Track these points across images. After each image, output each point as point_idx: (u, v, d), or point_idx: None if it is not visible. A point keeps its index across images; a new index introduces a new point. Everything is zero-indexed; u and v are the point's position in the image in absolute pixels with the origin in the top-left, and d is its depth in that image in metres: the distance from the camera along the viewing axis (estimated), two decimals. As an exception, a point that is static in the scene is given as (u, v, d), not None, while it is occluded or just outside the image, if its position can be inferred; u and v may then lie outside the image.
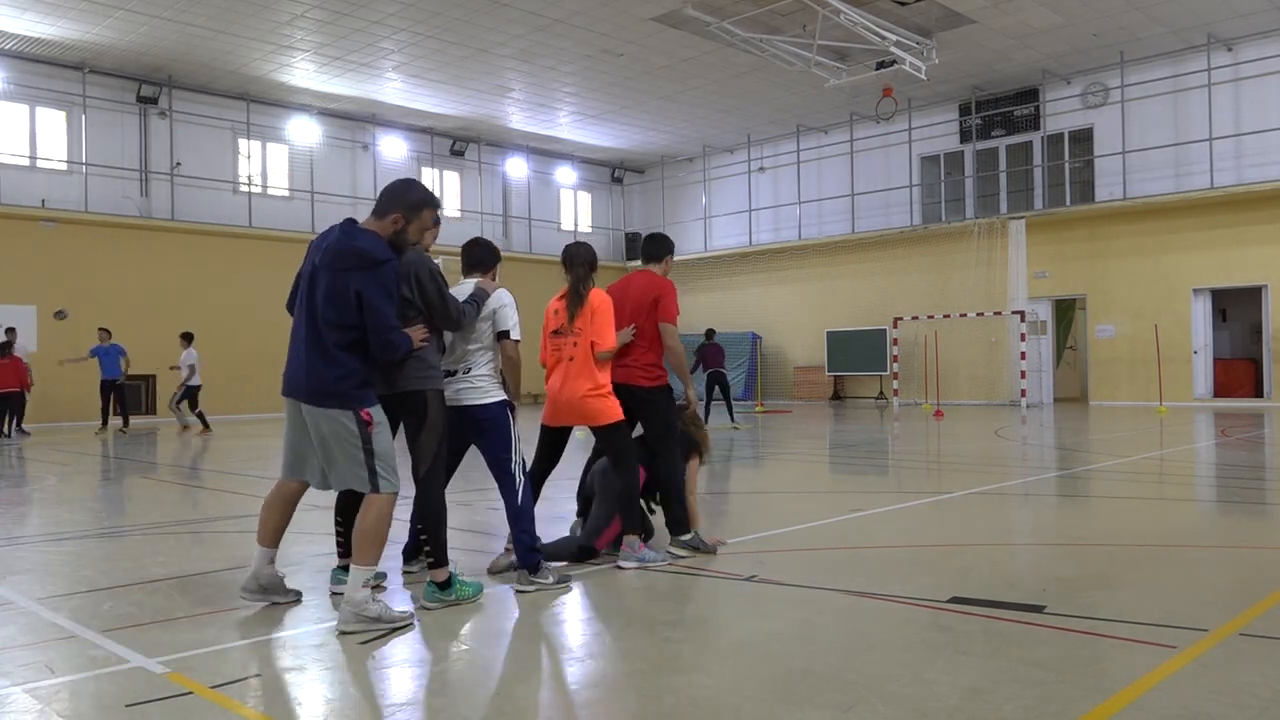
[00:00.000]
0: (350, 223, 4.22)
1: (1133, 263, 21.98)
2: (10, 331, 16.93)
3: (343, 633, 3.93)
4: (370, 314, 4.04)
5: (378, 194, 4.37)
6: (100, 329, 17.70)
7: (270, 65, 21.10)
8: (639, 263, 6.00)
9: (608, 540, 5.41)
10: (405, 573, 5.02)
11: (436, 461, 4.53)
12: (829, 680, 3.26)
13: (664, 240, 5.96)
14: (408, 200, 4.26)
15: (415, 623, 4.09)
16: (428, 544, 4.43)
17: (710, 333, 17.68)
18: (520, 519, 4.76)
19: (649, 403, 5.54)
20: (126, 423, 17.55)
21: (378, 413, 4.16)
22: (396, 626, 4.01)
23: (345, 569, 4.54)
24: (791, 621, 4.04)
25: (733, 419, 17.06)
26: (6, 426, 16.61)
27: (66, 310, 17.50)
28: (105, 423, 17.67)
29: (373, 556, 4.06)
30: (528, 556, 4.73)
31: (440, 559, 4.41)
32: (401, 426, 4.49)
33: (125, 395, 17.66)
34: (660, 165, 30.74)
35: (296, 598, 4.47)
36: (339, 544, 4.72)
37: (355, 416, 4.09)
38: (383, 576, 4.80)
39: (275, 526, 4.40)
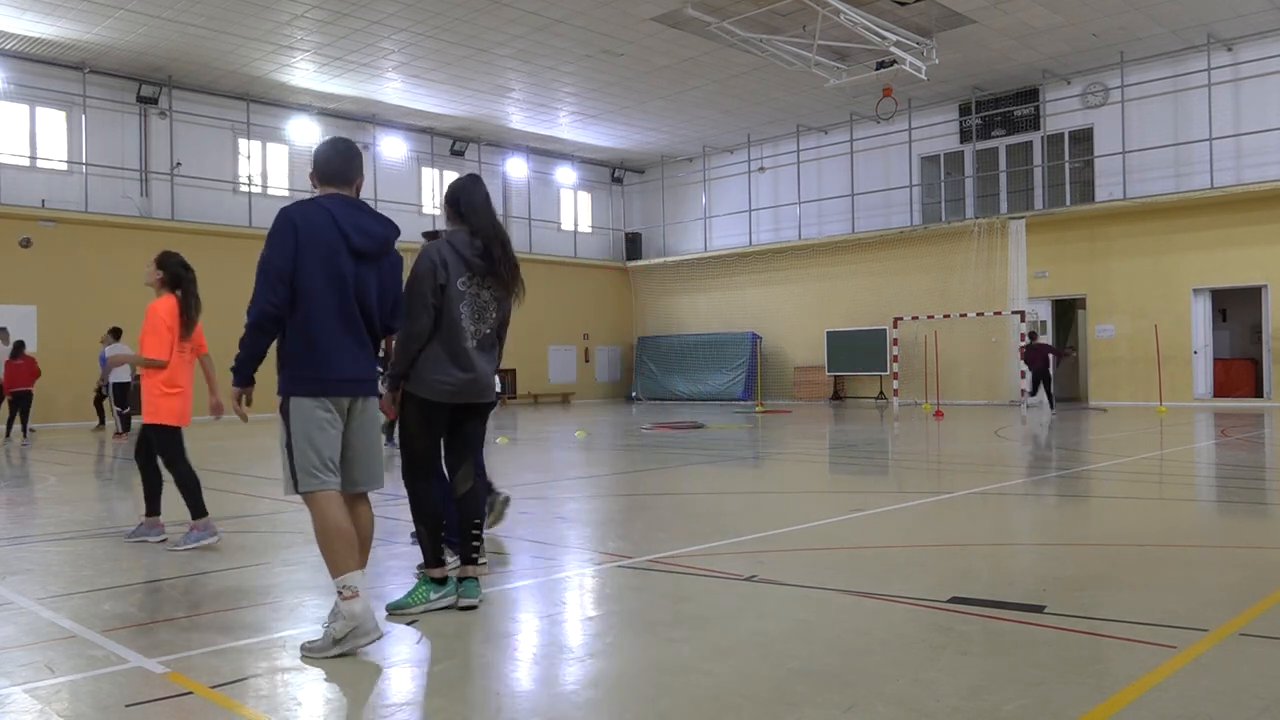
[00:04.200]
0: (362, 203, 4.08)
1: (1133, 263, 21.98)
2: (2, 331, 16.94)
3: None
4: (403, 292, 4.18)
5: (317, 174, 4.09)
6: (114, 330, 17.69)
7: (270, 65, 21.10)
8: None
9: None
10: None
11: None
12: (829, 680, 3.26)
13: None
14: (361, 163, 4.18)
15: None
16: (478, 540, 4.42)
17: (1032, 334, 20.06)
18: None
19: None
20: (126, 424, 17.51)
21: None
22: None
23: (475, 580, 4.36)
24: (791, 621, 4.03)
25: (1050, 406, 19.45)
26: (22, 427, 16.70)
27: (30, 239, 17.27)
28: (127, 425, 17.59)
29: (366, 559, 3.99)
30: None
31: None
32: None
33: (112, 397, 17.60)
34: (660, 165, 30.74)
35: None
36: (477, 549, 4.40)
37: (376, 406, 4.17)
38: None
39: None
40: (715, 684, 3.25)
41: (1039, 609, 4.11)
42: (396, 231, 4.11)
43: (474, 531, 4.39)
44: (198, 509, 6.04)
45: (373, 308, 3.98)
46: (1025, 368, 20.02)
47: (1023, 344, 20.00)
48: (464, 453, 4.46)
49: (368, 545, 3.99)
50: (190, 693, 3.24)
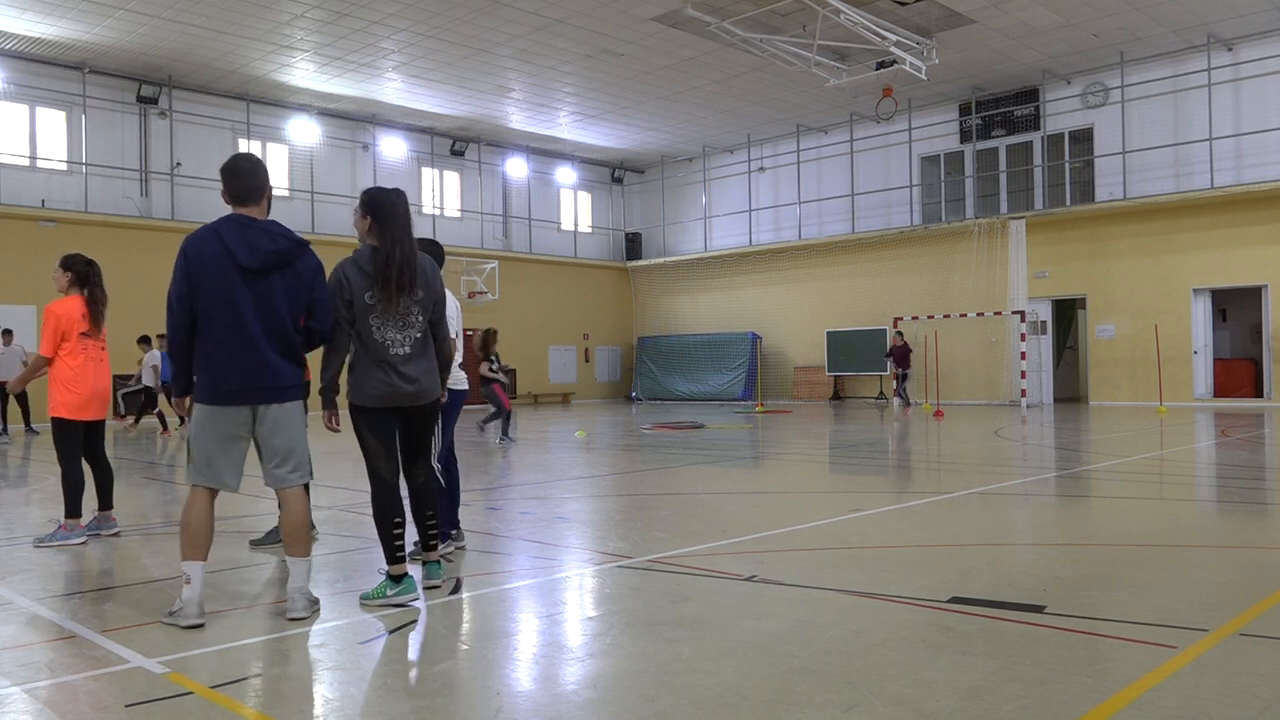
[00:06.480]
0: (253, 219, 4.22)
1: (1133, 263, 21.99)
2: (7, 334, 16.98)
3: (300, 619, 4.15)
4: (325, 293, 4.31)
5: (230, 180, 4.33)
6: (137, 336, 18.06)
7: (270, 65, 21.10)
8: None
9: None
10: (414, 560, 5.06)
11: None
12: (829, 680, 3.26)
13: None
14: (264, 175, 4.38)
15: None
16: (434, 528, 4.75)
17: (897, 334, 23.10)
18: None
19: None
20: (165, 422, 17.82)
21: None
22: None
23: (436, 563, 4.76)
24: (791, 621, 4.03)
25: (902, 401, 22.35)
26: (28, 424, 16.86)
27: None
28: (137, 421, 18.47)
29: (310, 546, 4.36)
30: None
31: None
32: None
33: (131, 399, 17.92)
34: (660, 165, 30.74)
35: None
36: (434, 536, 4.76)
37: (303, 406, 4.39)
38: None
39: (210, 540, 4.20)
40: (716, 684, 3.25)
41: (1039, 609, 4.11)
42: (290, 244, 4.20)
43: (429, 521, 4.71)
44: (73, 509, 6.24)
45: (283, 317, 4.17)
46: (900, 369, 22.53)
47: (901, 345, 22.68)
48: (414, 453, 4.71)
49: (298, 535, 4.26)
50: (190, 693, 3.24)
